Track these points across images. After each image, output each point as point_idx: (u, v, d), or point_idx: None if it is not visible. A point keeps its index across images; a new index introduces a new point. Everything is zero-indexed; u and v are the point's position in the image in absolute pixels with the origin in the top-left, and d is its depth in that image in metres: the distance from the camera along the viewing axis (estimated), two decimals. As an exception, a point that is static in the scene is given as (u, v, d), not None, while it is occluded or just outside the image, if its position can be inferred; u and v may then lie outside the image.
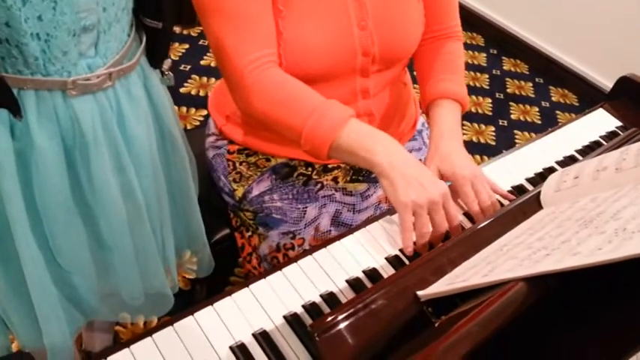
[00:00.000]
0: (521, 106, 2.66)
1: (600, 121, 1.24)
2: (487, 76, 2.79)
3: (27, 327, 0.87)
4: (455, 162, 0.93)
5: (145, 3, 0.79)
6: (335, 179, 1.09)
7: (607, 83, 2.70)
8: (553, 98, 2.77)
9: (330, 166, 1.09)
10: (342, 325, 0.55)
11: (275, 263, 1.08)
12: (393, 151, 0.85)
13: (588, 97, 2.77)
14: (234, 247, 1.19)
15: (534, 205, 0.75)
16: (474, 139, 2.43)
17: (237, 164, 1.12)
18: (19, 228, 0.76)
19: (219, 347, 0.68)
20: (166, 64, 0.88)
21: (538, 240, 0.58)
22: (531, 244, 0.57)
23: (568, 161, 1.09)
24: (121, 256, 0.89)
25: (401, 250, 0.84)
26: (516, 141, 2.47)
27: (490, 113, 2.59)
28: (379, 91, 1.06)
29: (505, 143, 2.44)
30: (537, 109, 2.67)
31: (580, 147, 1.14)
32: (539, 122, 2.59)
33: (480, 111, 2.59)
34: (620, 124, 1.23)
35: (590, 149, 1.13)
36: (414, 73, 1.15)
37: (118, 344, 0.67)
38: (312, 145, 0.88)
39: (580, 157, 1.10)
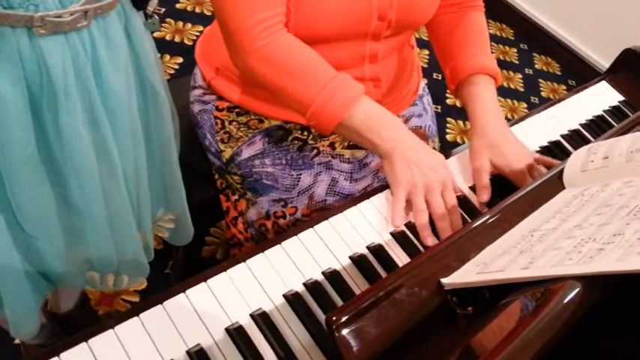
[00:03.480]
0: (504, 72, 2.61)
1: (603, 95, 1.20)
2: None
3: None
4: (507, 153, 0.88)
5: None
6: (332, 145, 1.02)
7: (592, 55, 2.68)
8: (537, 66, 2.73)
9: (326, 130, 1.02)
10: (363, 317, 0.49)
11: (263, 230, 1.02)
12: (400, 136, 0.83)
13: (572, 68, 2.74)
14: (215, 209, 1.11)
15: (557, 184, 0.70)
16: (457, 104, 2.38)
17: (227, 123, 1.03)
18: None
19: (213, 329, 0.62)
20: (151, 5, 0.78)
21: (578, 228, 0.53)
22: (572, 233, 0.52)
23: (574, 135, 1.05)
24: (93, 220, 0.80)
25: (406, 225, 0.79)
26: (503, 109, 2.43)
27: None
28: (387, 56, 0.98)
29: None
30: (521, 76, 2.63)
31: (584, 121, 1.10)
32: (522, 90, 2.55)
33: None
34: (622, 98, 1.19)
35: (595, 124, 1.09)
36: (428, 43, 1.07)
37: (101, 325, 0.60)
38: (318, 120, 0.83)
39: (585, 132, 1.06)
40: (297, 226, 0.76)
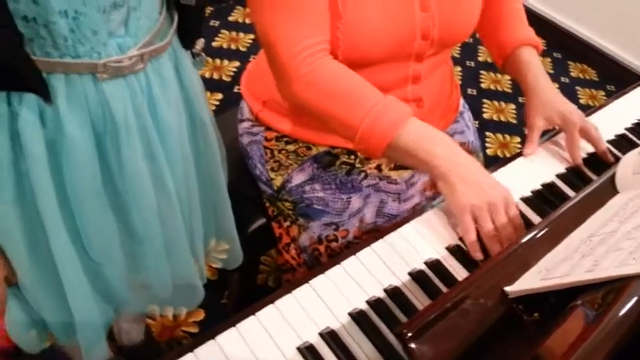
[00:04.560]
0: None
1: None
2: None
3: (61, 322, 0.85)
4: (561, 108, 0.97)
5: None
6: (378, 167, 1.04)
7: (629, 59, 2.64)
8: (572, 74, 2.71)
9: (372, 153, 1.05)
10: (432, 329, 0.51)
11: (316, 255, 1.04)
12: (454, 154, 0.83)
13: (609, 73, 2.71)
14: (267, 237, 1.15)
15: (609, 189, 0.71)
16: (495, 117, 2.38)
17: (276, 152, 1.07)
18: (51, 220, 0.72)
19: (285, 348, 0.64)
20: (199, 44, 0.84)
21: (637, 230, 0.54)
22: (632, 235, 0.53)
23: (621, 140, 1.05)
24: (152, 246, 0.85)
25: (461, 239, 0.80)
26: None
27: (510, 90, 2.54)
28: (428, 76, 1.01)
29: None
30: (557, 85, 2.61)
31: (630, 125, 1.10)
32: (560, 99, 2.53)
33: (499, 88, 2.54)
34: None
35: (628, 135, 1.08)
36: (460, 59, 1.12)
37: (179, 350, 0.63)
38: (367, 143, 0.84)
39: (632, 136, 1.06)
40: (352, 247, 0.78)
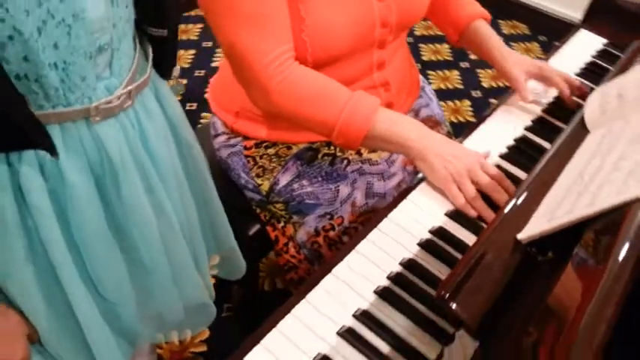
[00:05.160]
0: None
1: (586, 43, 1.28)
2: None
3: None
4: (534, 62, 1.08)
5: (148, 12, 0.76)
6: (358, 152, 1.08)
7: (555, 7, 2.78)
8: (504, 31, 2.83)
9: (349, 140, 1.09)
10: (464, 286, 0.55)
11: (316, 247, 1.08)
12: (424, 134, 0.90)
13: (537, 24, 2.84)
14: (261, 243, 1.17)
15: (582, 131, 0.77)
16: (442, 85, 2.46)
17: (258, 158, 1.10)
18: (65, 269, 0.73)
19: (327, 336, 0.68)
20: (175, 71, 0.85)
21: (622, 159, 0.60)
22: (618, 166, 0.59)
23: (576, 85, 1.12)
24: (160, 275, 0.87)
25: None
26: (481, 80, 2.52)
27: (451, 58, 2.63)
28: (391, 60, 1.06)
29: (472, 84, 2.49)
30: (493, 46, 2.71)
31: (579, 70, 1.18)
32: (498, 57, 2.64)
33: (440, 58, 2.62)
34: (606, 41, 1.27)
35: (589, 71, 1.17)
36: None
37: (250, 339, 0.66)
38: (345, 138, 0.90)
39: (585, 81, 1.14)
40: (361, 230, 0.82)
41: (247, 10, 0.86)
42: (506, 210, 0.65)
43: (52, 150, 0.64)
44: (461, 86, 2.48)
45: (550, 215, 0.60)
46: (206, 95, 1.20)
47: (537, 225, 0.61)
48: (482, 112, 0.97)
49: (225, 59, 0.99)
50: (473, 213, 0.84)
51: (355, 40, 0.95)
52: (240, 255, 1.10)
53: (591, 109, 0.77)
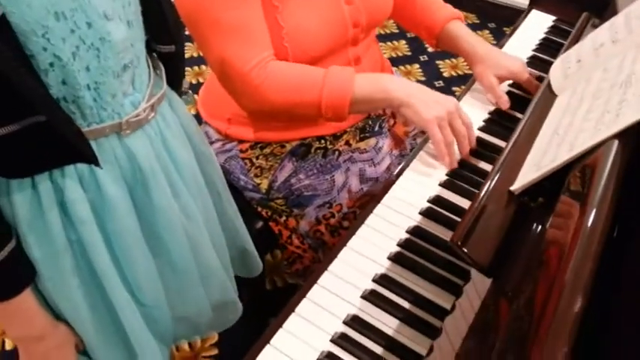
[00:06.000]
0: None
1: (538, 22, 1.40)
2: (391, 21, 2.94)
3: None
4: (505, 63, 1.11)
5: (156, 30, 0.83)
6: (347, 143, 1.17)
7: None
8: (456, 23, 2.97)
9: (338, 133, 1.17)
10: (473, 232, 0.64)
11: (319, 236, 1.15)
12: (403, 84, 0.99)
13: (484, 12, 2.99)
14: (267, 239, 1.24)
15: (550, 96, 0.87)
16: (412, 79, 2.57)
17: (254, 159, 1.17)
18: (110, 277, 0.78)
19: (352, 299, 0.75)
20: (185, 83, 0.92)
21: (589, 112, 0.70)
22: (588, 117, 0.69)
23: (536, 61, 1.23)
24: (189, 276, 0.93)
25: (446, 174, 0.95)
26: (442, 70, 2.64)
27: (409, 53, 2.75)
28: (365, 55, 1.15)
29: (435, 75, 2.61)
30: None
31: (535, 47, 1.29)
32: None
33: (399, 54, 2.74)
34: (554, 17, 1.39)
35: (545, 46, 1.28)
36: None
37: (260, 340, 0.73)
38: (333, 109, 0.98)
39: (543, 55, 1.25)
40: (359, 215, 0.90)
41: (230, 24, 0.94)
42: (497, 167, 0.74)
43: (95, 161, 0.70)
44: (423, 78, 2.60)
45: (536, 166, 0.69)
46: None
47: (526, 176, 0.70)
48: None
49: (212, 71, 1.07)
50: (447, 160, 0.94)
51: (331, 40, 1.04)
52: (256, 253, 1.16)
53: (555, 75, 0.88)
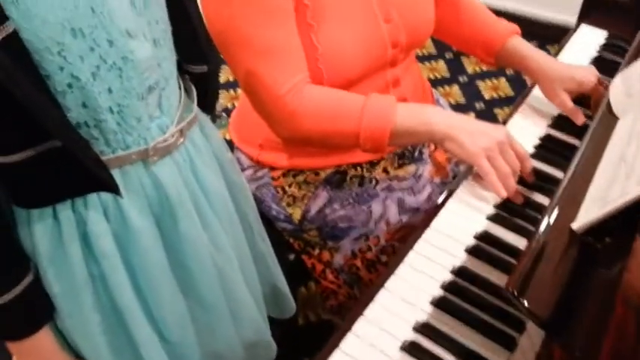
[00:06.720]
0: (472, 58, 2.74)
1: (587, 39, 1.30)
2: (429, 41, 2.87)
3: None
4: (573, 74, 1.03)
5: (186, 49, 0.78)
6: (385, 170, 1.10)
7: (542, 14, 2.83)
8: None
9: (375, 160, 1.10)
10: (531, 280, 0.56)
11: (355, 270, 1.08)
12: (446, 116, 0.91)
13: (529, 33, 2.89)
14: (300, 273, 1.18)
15: (611, 118, 0.78)
16: (451, 101, 2.49)
17: (287, 187, 1.11)
18: (133, 313, 0.73)
19: (390, 352, 0.68)
20: (218, 106, 0.87)
21: (663, 140, 0.61)
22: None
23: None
24: (219, 311, 0.87)
25: (495, 207, 0.87)
26: (482, 92, 2.55)
27: (448, 75, 2.67)
28: (405, 76, 1.08)
29: (475, 97, 2.51)
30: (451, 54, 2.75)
31: (587, 65, 1.20)
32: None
33: (438, 75, 2.66)
34: (606, 34, 1.30)
35: (597, 64, 1.19)
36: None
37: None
38: (372, 141, 0.90)
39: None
40: (398, 250, 0.83)
41: (262, 44, 0.88)
42: (556, 200, 0.65)
43: (116, 190, 0.65)
44: (463, 100, 2.51)
45: (601, 201, 0.61)
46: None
47: (590, 212, 0.61)
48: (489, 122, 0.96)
49: (243, 93, 1.01)
50: (503, 193, 0.84)
51: (369, 62, 0.97)
52: (289, 292, 1.09)
53: (616, 95, 0.79)
